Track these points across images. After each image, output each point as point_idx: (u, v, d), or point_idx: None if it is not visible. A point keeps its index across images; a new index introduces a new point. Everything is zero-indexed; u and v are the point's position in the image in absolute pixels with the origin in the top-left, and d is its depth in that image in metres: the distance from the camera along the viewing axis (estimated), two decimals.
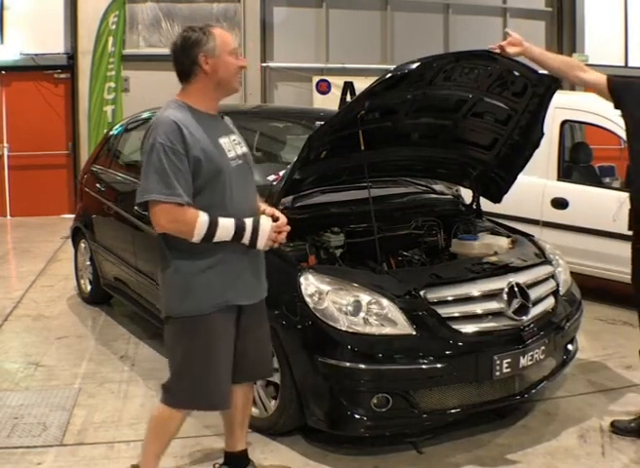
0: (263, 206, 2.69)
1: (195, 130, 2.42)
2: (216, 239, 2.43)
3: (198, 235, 2.40)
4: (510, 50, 3.16)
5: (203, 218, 2.39)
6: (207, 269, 2.47)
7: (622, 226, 3.32)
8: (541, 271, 3.55)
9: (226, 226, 2.43)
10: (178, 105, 2.49)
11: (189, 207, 2.39)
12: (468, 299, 3.17)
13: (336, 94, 10.54)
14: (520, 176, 4.02)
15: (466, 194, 4.34)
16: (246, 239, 2.47)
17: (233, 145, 2.58)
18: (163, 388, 2.63)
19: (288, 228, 2.61)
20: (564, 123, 5.78)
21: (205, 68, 2.46)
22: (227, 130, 2.62)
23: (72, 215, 6.75)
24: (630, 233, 3.32)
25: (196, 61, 2.46)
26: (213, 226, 2.40)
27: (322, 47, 11.06)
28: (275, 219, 2.58)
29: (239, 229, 2.45)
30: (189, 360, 2.53)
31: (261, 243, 2.50)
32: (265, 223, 2.51)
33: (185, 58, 2.47)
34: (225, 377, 2.57)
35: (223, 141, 2.53)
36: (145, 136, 2.46)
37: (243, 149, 2.63)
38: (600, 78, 3.21)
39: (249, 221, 2.48)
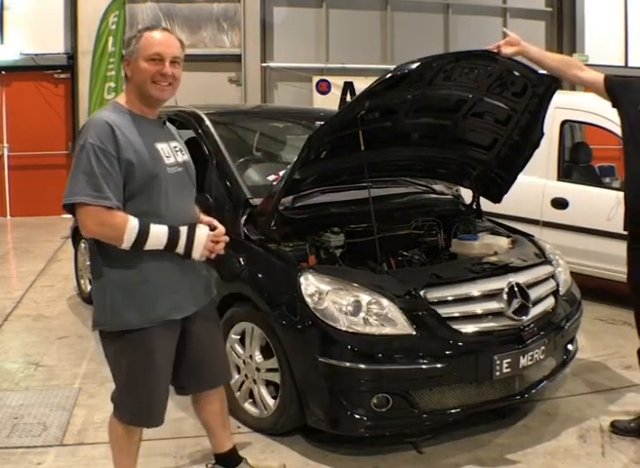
0: (202, 216, 2.62)
1: (129, 132, 2.33)
2: (147, 246, 2.32)
3: (127, 241, 2.28)
4: (508, 50, 3.16)
5: (133, 224, 2.28)
6: (140, 282, 2.36)
7: (620, 226, 3.32)
8: (541, 271, 3.55)
9: (158, 233, 2.33)
10: (114, 107, 2.42)
11: (119, 211, 2.29)
12: (468, 299, 3.17)
13: (336, 94, 10.55)
14: (520, 176, 4.02)
15: (466, 194, 4.34)
16: (180, 248, 2.37)
17: (173, 152, 2.47)
18: (112, 401, 2.56)
19: (226, 239, 2.53)
20: (564, 123, 5.78)
21: (126, 72, 2.42)
22: (168, 136, 2.54)
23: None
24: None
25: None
26: (143, 233, 2.29)
27: (322, 47, 11.06)
28: (213, 229, 2.50)
29: (173, 237, 2.35)
30: (128, 376, 2.44)
31: (197, 253, 2.40)
32: (201, 232, 2.41)
33: None
34: (163, 394, 2.51)
35: (161, 147, 2.43)
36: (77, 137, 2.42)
37: (184, 157, 2.54)
38: (597, 77, 3.20)
39: (184, 229, 2.38)
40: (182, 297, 2.47)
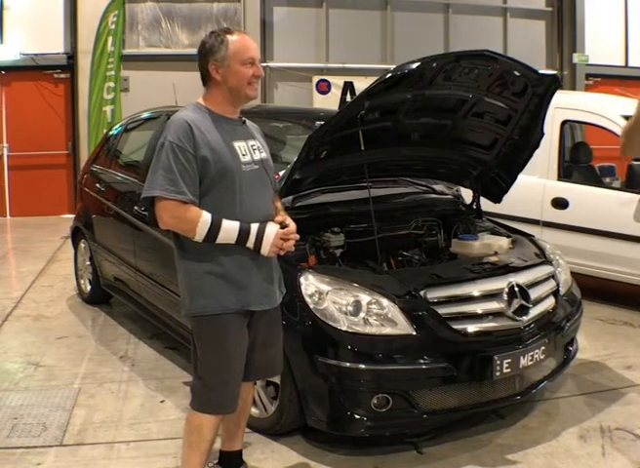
0: (281, 213, 2.69)
1: (207, 131, 2.45)
2: (218, 240, 2.44)
3: (199, 234, 2.41)
4: None
5: (205, 218, 2.41)
6: (214, 273, 2.47)
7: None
8: (541, 271, 3.54)
9: (229, 229, 2.44)
10: (195, 107, 2.54)
11: (193, 205, 2.41)
12: (468, 299, 3.17)
13: (336, 94, 10.54)
14: (520, 176, 4.02)
15: (466, 194, 4.34)
16: (250, 243, 2.48)
17: (250, 150, 2.57)
18: (190, 390, 2.64)
19: (296, 236, 2.61)
20: (564, 123, 5.78)
21: (215, 77, 2.51)
22: (247, 135, 2.62)
23: (72, 215, 6.75)
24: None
25: (208, 69, 2.51)
26: (215, 227, 2.42)
27: (322, 47, 11.05)
28: (284, 226, 2.58)
29: (243, 233, 2.45)
30: (204, 360, 2.54)
31: (265, 249, 2.49)
32: (271, 230, 2.51)
33: (201, 65, 2.54)
34: (236, 381, 2.57)
35: (239, 145, 2.53)
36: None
37: (262, 155, 2.62)
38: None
39: (254, 226, 2.48)
40: (255, 291, 2.55)
